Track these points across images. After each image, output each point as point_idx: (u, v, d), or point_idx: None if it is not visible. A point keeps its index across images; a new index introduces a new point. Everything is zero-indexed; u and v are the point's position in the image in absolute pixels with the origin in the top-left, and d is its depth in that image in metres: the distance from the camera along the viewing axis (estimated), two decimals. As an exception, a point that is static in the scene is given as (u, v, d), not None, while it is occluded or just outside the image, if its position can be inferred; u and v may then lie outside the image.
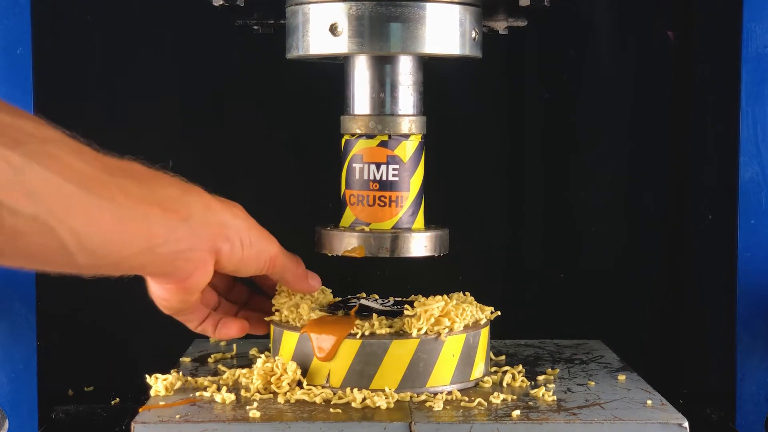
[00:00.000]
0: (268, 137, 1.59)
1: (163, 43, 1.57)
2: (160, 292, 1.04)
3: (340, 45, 1.20)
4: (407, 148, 1.24)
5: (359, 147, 1.24)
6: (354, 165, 1.24)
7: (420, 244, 1.24)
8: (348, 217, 1.26)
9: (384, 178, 1.23)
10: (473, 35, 1.24)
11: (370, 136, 1.23)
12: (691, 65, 1.58)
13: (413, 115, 1.24)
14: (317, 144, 1.45)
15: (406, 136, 1.24)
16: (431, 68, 1.29)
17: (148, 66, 1.56)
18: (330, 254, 1.24)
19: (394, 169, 1.23)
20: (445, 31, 1.21)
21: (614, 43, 1.59)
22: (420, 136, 1.25)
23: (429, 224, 1.28)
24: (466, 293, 1.32)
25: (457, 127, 1.58)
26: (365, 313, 1.20)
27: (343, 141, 1.26)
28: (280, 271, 1.12)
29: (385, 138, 1.23)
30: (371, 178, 1.23)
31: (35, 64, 1.37)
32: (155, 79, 1.57)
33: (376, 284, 1.41)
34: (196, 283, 0.98)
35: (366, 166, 1.23)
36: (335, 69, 1.29)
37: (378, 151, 1.23)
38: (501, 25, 1.32)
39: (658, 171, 1.60)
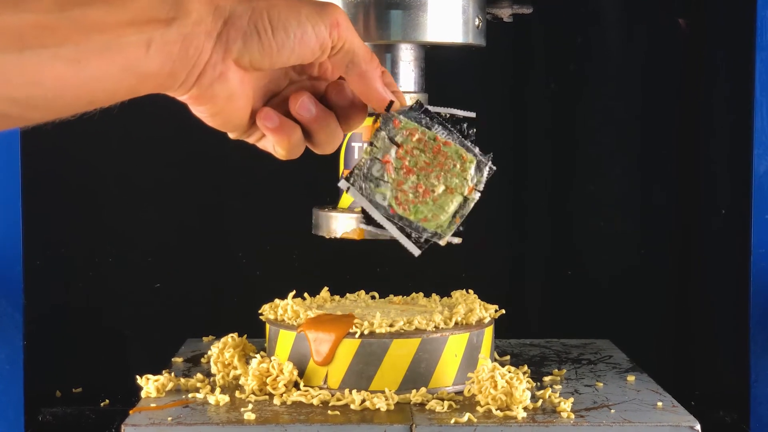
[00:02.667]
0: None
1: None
2: (203, 117, 0.90)
3: (339, 33, 1.20)
4: None
5: None
6: (353, 144, 1.24)
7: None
8: (346, 198, 1.26)
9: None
10: (477, 23, 1.23)
11: (370, 114, 1.23)
12: (703, 54, 1.58)
13: (415, 92, 1.24)
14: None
15: None
16: (433, 57, 1.29)
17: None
18: (328, 236, 1.24)
19: None
20: (448, 18, 1.20)
21: (623, 31, 1.59)
22: None
23: None
24: (469, 291, 1.32)
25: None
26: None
27: (342, 119, 1.25)
28: (344, 54, 0.87)
29: None
30: None
31: None
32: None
33: (376, 282, 1.41)
34: (216, 93, 0.83)
35: (365, 145, 1.23)
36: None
37: None
38: (505, 13, 1.32)
39: (669, 164, 1.60)
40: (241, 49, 0.80)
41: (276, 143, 0.90)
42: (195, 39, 0.78)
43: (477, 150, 0.95)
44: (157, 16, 0.76)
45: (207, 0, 0.79)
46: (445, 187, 0.94)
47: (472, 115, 0.96)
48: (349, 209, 1.25)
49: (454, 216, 0.95)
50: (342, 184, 0.92)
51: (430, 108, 0.93)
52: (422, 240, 0.92)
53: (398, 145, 0.93)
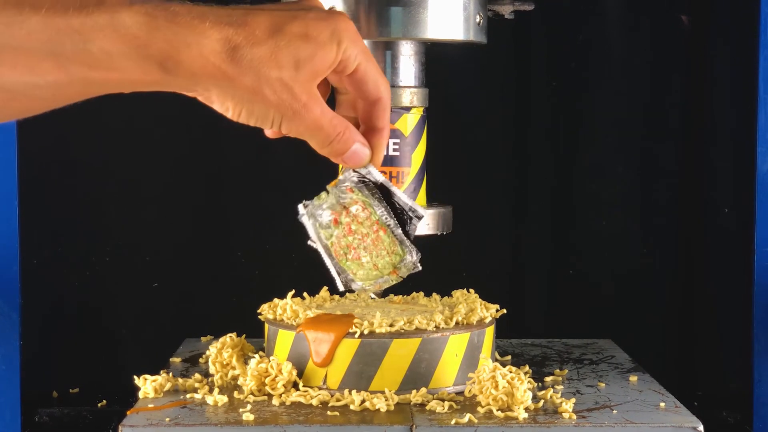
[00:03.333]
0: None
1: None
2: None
3: (338, 30, 1.19)
4: (408, 122, 1.23)
5: None
6: None
7: (422, 222, 1.23)
8: None
9: (384, 152, 1.22)
10: (477, 20, 1.23)
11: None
12: (707, 51, 1.57)
13: (415, 87, 1.24)
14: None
15: (408, 109, 1.23)
16: (433, 54, 1.29)
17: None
18: None
19: (394, 144, 1.23)
20: (448, 15, 1.20)
21: (626, 28, 1.58)
22: (422, 109, 1.25)
23: (431, 202, 1.27)
24: (470, 290, 1.32)
25: (460, 117, 1.58)
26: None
27: (342, 113, 1.25)
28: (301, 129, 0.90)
29: None
30: None
31: None
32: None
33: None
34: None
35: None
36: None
37: None
38: (506, 9, 1.32)
39: (671, 163, 1.60)
40: (217, 108, 0.85)
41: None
42: (176, 89, 0.83)
43: (410, 248, 1.03)
44: (146, 74, 0.79)
45: (201, 75, 0.81)
46: (372, 262, 1.02)
47: (422, 214, 1.02)
48: None
49: (376, 281, 1.03)
50: (300, 208, 1.01)
51: (392, 189, 1.01)
52: (348, 284, 1.02)
53: (345, 209, 1.00)
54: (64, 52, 0.75)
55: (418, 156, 1.24)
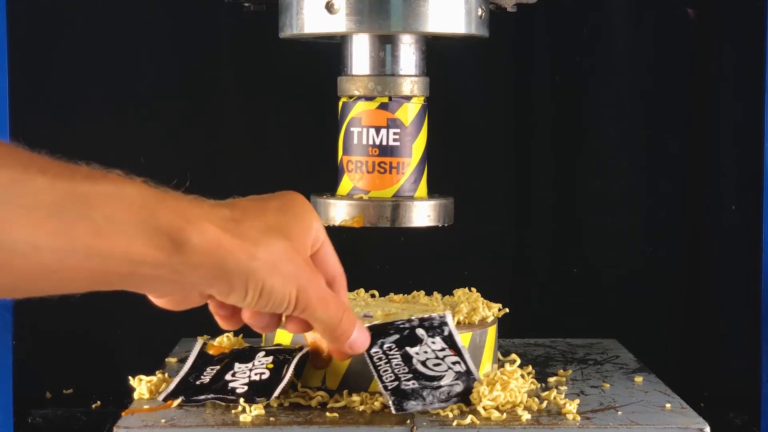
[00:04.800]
0: (259, 120, 1.59)
1: (148, 21, 1.56)
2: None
3: (337, 23, 1.19)
4: (409, 111, 1.23)
5: (357, 110, 1.23)
6: (352, 129, 1.24)
7: (423, 214, 1.23)
8: (345, 184, 1.25)
9: (384, 142, 1.23)
10: (479, 13, 1.23)
11: (369, 98, 1.23)
12: (712, 45, 1.57)
13: (415, 76, 1.24)
14: (312, 108, 1.45)
15: (408, 98, 1.23)
16: (434, 48, 1.28)
17: (130, 47, 1.56)
18: (326, 224, 1.24)
19: (394, 134, 1.23)
20: (450, 8, 1.20)
21: (630, 22, 1.58)
22: (423, 99, 1.24)
23: (432, 194, 1.27)
24: (472, 289, 1.32)
25: (461, 112, 1.58)
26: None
27: (341, 104, 1.25)
28: (310, 320, 0.94)
29: (386, 100, 1.23)
30: (370, 142, 1.23)
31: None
32: (137, 61, 1.56)
33: (376, 279, 1.40)
34: (177, 305, 0.90)
35: (365, 130, 1.23)
36: (332, 49, 1.28)
37: (377, 114, 1.23)
38: (509, 2, 1.32)
39: (677, 159, 1.60)
40: (222, 295, 0.85)
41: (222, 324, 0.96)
42: (182, 278, 0.81)
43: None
44: (154, 249, 0.78)
45: (213, 253, 0.81)
46: None
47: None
48: (348, 196, 1.24)
49: None
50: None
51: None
52: None
53: None
54: (68, 217, 0.75)
55: (418, 146, 1.24)
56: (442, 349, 1.13)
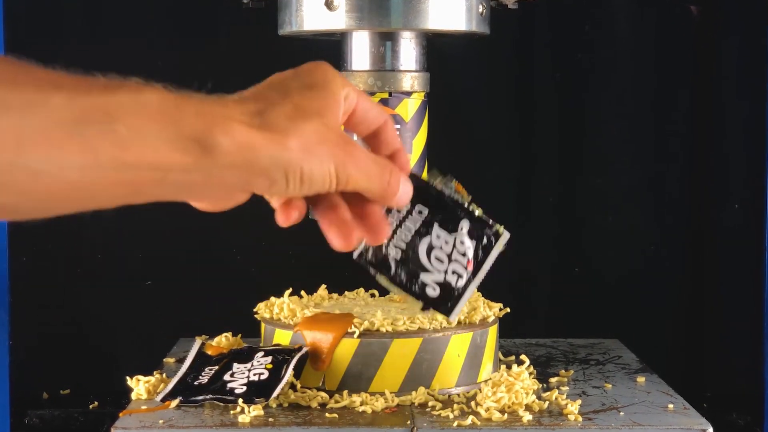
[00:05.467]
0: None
1: (147, 19, 1.56)
2: None
3: (336, 20, 1.19)
4: (409, 107, 1.23)
5: None
6: None
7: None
8: None
9: None
10: (480, 10, 1.23)
11: (369, 94, 1.23)
12: (715, 41, 1.57)
13: (416, 71, 1.23)
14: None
15: (408, 94, 1.23)
16: (435, 45, 1.28)
17: (128, 44, 1.56)
18: None
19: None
20: (450, 5, 1.20)
21: (632, 18, 1.58)
22: (423, 94, 1.24)
23: None
24: (473, 288, 1.31)
25: (462, 109, 1.58)
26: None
27: (340, 98, 1.25)
28: (355, 190, 0.90)
29: (386, 95, 1.23)
30: None
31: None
32: (136, 60, 1.56)
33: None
34: (218, 207, 0.85)
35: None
36: (331, 45, 1.28)
37: None
38: (510, -1, 1.32)
39: (680, 157, 1.60)
40: (263, 189, 0.82)
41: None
42: (218, 181, 0.78)
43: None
44: (183, 154, 0.76)
45: (244, 151, 0.78)
46: None
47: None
48: None
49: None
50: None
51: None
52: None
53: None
54: (90, 132, 0.73)
55: (419, 142, 1.24)
56: (463, 255, 1.04)
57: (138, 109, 0.75)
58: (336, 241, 0.90)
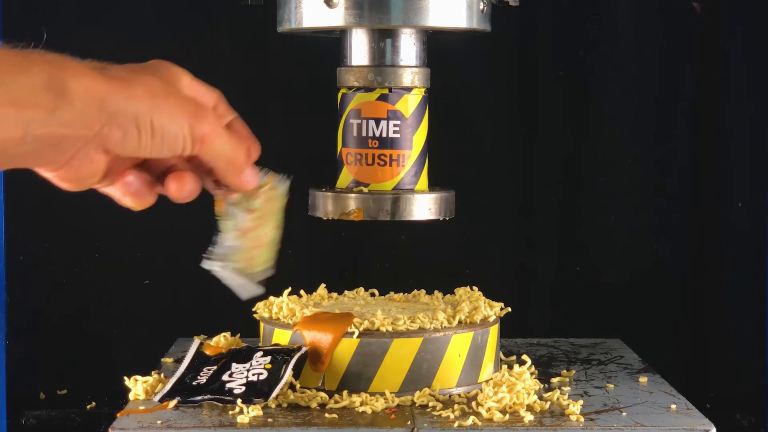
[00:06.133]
0: (258, 114, 1.58)
1: (144, 15, 1.56)
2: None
3: (336, 17, 1.19)
4: (409, 103, 1.23)
5: (357, 101, 1.23)
6: (351, 121, 1.24)
7: (423, 207, 1.23)
8: (345, 177, 1.25)
9: (384, 134, 1.22)
10: (481, 6, 1.23)
11: (368, 89, 1.23)
12: (720, 39, 1.57)
13: (416, 66, 1.23)
14: (311, 100, 1.44)
15: (409, 89, 1.23)
16: (436, 42, 1.28)
17: (126, 44, 1.56)
18: (325, 218, 1.24)
19: (395, 125, 1.23)
20: (450, 2, 1.20)
21: (636, 15, 1.58)
22: (423, 90, 1.24)
23: (433, 187, 1.27)
24: (474, 288, 1.32)
25: (464, 108, 1.58)
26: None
27: (340, 95, 1.25)
28: (209, 157, 0.94)
29: (386, 91, 1.23)
30: (370, 134, 1.23)
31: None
32: (134, 57, 1.56)
33: (377, 278, 1.41)
34: (79, 173, 0.87)
35: (364, 122, 1.23)
36: (331, 41, 1.28)
37: (377, 105, 1.23)
38: (511, -4, 1.32)
39: (684, 155, 1.59)
40: (117, 142, 0.84)
41: (129, 202, 0.95)
42: (74, 130, 0.81)
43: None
44: (38, 102, 0.78)
45: (93, 94, 0.81)
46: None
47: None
48: (348, 189, 1.24)
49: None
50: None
51: None
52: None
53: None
54: None
55: (419, 138, 1.24)
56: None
57: None
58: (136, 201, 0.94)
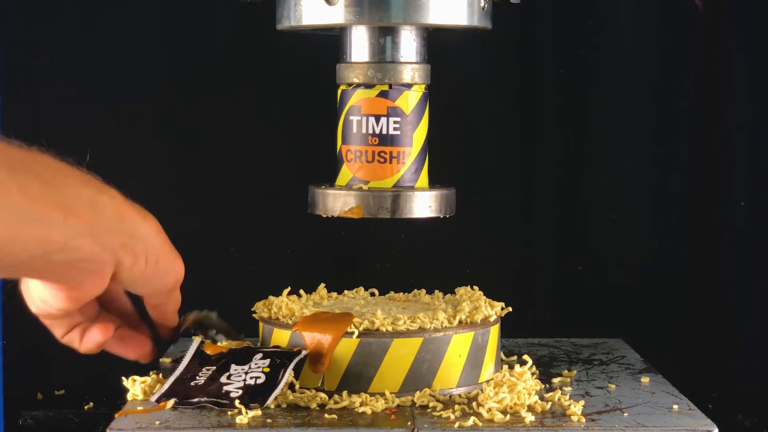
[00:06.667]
0: (257, 110, 1.58)
1: (143, 14, 1.56)
2: (40, 294, 0.97)
3: (335, 15, 1.19)
4: (409, 99, 1.23)
5: (357, 98, 1.23)
6: (351, 118, 1.23)
7: (424, 204, 1.23)
8: (345, 174, 1.25)
9: (384, 131, 1.22)
10: (482, 4, 1.23)
11: (368, 86, 1.22)
12: (721, 38, 1.57)
13: (416, 63, 1.23)
14: (311, 97, 1.44)
15: (409, 86, 1.23)
16: (436, 40, 1.28)
17: (125, 42, 1.55)
18: (325, 215, 1.24)
19: (395, 122, 1.22)
20: (451, -1, 1.20)
21: (636, 14, 1.58)
22: (424, 86, 1.24)
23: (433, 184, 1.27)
24: (474, 287, 1.31)
25: (464, 104, 1.57)
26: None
27: (339, 91, 1.25)
28: (167, 300, 1.07)
29: (386, 88, 1.23)
30: (370, 131, 1.23)
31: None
32: (133, 56, 1.56)
33: (377, 277, 1.40)
34: (87, 293, 0.92)
35: (364, 118, 1.23)
36: (331, 38, 1.28)
37: (377, 102, 1.22)
38: (512, -7, 1.32)
39: (685, 153, 1.59)
40: (126, 268, 0.90)
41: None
42: (103, 246, 0.86)
43: None
44: (80, 211, 0.83)
45: (119, 209, 0.87)
46: None
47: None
48: (348, 187, 1.24)
49: None
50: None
51: None
52: None
53: None
54: None
55: (419, 135, 1.24)
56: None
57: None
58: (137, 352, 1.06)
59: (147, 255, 0.91)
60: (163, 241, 0.94)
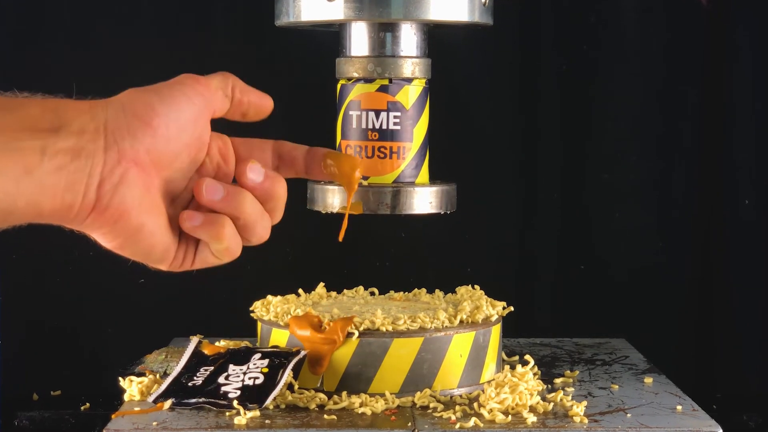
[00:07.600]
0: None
1: (140, 10, 1.56)
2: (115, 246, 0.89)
3: (335, 11, 1.19)
4: (410, 94, 1.23)
5: (356, 92, 1.23)
6: (350, 112, 1.23)
7: (424, 200, 1.23)
8: None
9: (384, 126, 1.22)
10: (483, 0, 1.23)
11: (368, 80, 1.22)
12: (725, 33, 1.57)
13: (417, 57, 1.23)
14: (310, 91, 1.44)
15: (409, 80, 1.23)
16: (437, 36, 1.28)
17: (122, 38, 1.55)
18: (324, 211, 1.24)
19: (395, 117, 1.22)
20: (453, -5, 1.20)
21: (640, 8, 1.58)
22: (424, 81, 1.24)
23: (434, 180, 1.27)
24: (476, 287, 1.32)
25: (465, 100, 1.57)
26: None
27: (339, 86, 1.25)
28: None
29: (386, 82, 1.22)
30: (370, 126, 1.22)
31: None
32: (130, 52, 1.56)
33: (377, 277, 1.40)
34: (121, 202, 0.82)
35: (364, 113, 1.22)
36: (329, 37, 1.28)
37: (377, 96, 1.22)
38: (514, -11, 1.32)
39: (689, 151, 1.59)
40: (132, 143, 0.82)
41: (211, 240, 0.92)
42: (83, 147, 0.79)
43: None
44: (44, 125, 0.78)
45: (82, 109, 0.81)
46: None
47: None
48: None
49: None
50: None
51: None
52: None
53: None
54: None
55: (420, 131, 1.23)
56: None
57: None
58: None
59: (136, 112, 0.85)
60: (153, 88, 0.91)
